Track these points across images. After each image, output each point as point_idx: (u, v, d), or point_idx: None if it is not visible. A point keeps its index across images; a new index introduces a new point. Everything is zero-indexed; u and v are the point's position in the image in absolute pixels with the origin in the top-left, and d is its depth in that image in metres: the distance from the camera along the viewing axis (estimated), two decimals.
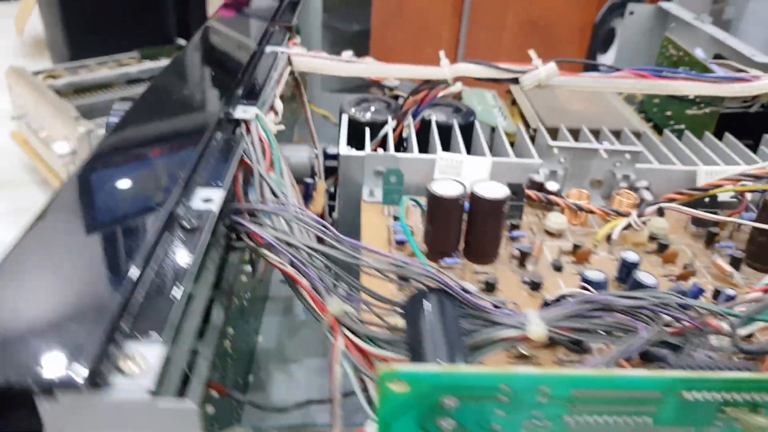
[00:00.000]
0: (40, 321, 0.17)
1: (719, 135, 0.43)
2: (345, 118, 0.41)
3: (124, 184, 0.24)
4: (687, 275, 0.31)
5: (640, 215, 0.34)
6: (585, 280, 0.29)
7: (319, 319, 0.24)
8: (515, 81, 0.42)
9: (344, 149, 0.38)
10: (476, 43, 0.73)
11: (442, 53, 0.43)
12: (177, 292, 0.19)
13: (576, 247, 0.33)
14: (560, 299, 0.27)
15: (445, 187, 0.31)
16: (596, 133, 0.43)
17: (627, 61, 0.62)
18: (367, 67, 0.42)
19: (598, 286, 0.28)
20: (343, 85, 0.65)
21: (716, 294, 0.30)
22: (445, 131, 0.42)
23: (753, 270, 0.33)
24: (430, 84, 0.43)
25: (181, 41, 0.79)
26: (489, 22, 0.69)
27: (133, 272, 0.19)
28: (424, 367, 0.18)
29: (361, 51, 0.48)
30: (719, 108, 0.44)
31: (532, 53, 0.43)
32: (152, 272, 0.20)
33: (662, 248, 0.33)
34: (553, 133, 0.42)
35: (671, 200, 0.34)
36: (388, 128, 0.41)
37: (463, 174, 0.37)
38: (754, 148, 0.42)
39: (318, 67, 0.42)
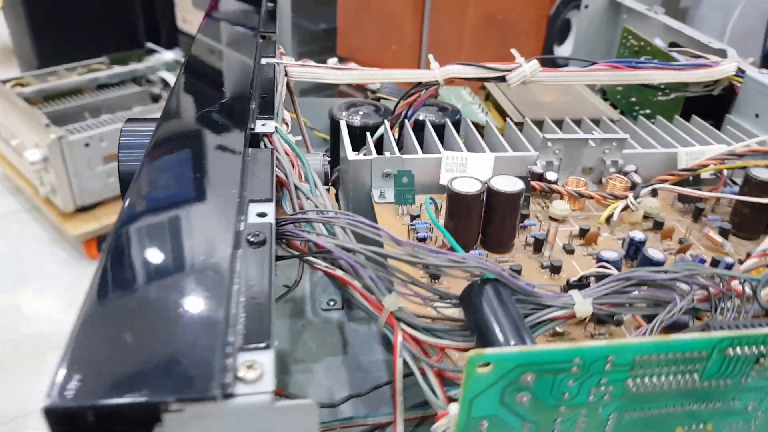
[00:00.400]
0: (160, 342, 0.18)
1: (685, 118, 0.47)
2: (344, 124, 0.43)
3: (186, 207, 0.24)
4: (685, 248, 0.34)
5: (636, 197, 0.36)
6: (602, 259, 0.31)
7: (374, 317, 0.26)
8: (502, 79, 0.44)
9: (351, 154, 0.39)
10: (439, 38, 0.75)
11: (431, 57, 0.45)
12: (265, 302, 0.20)
13: (583, 230, 0.35)
14: (582, 279, 0.29)
15: (465, 185, 0.33)
16: (577, 123, 0.46)
17: (585, 52, 0.65)
18: (360, 73, 0.44)
19: (615, 264, 0.31)
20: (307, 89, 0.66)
21: (715, 263, 0.33)
22: (437, 131, 0.44)
23: (738, 239, 0.36)
24: (421, 86, 0.44)
25: (151, 45, 0.78)
26: (450, 17, 0.71)
27: (225, 289, 0.20)
28: (508, 349, 0.20)
29: (329, 49, 0.50)
30: (685, 93, 0.47)
31: (514, 52, 0.45)
32: (238, 286, 0.21)
33: (658, 225, 0.36)
34: (538, 125, 0.45)
35: (663, 181, 0.37)
36: (384, 131, 0.43)
37: (468, 170, 0.39)
38: (717, 128, 0.45)
39: (314, 76, 0.43)
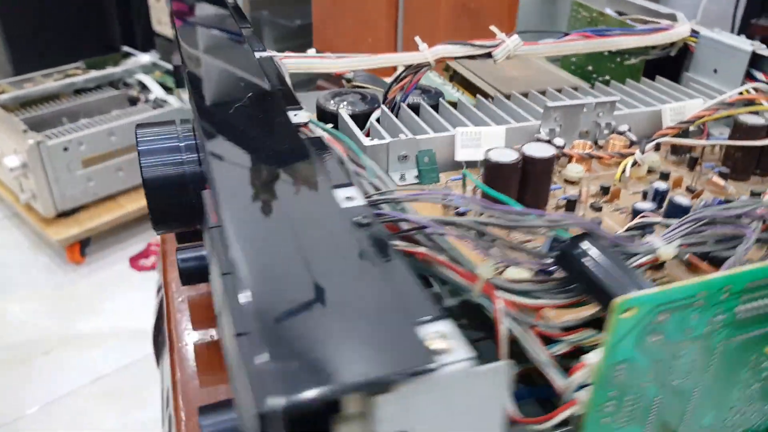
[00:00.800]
0: (354, 324, 0.17)
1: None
2: (344, 113, 0.42)
3: (283, 203, 0.24)
4: (698, 194, 0.37)
5: (642, 152, 0.39)
6: (640, 210, 0.33)
7: (466, 288, 0.26)
8: (489, 55, 0.45)
9: (366, 140, 0.39)
10: (413, 29, 0.76)
11: (417, 39, 0.45)
12: (408, 274, 0.20)
13: (604, 188, 0.37)
14: (644, 227, 0.31)
15: (502, 155, 0.34)
16: (542, 94, 0.48)
17: (531, 27, 0.68)
18: (354, 60, 0.43)
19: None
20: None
21: (727, 202, 0.36)
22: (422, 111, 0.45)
23: (734, 182, 0.39)
24: (411, 69, 0.45)
25: (127, 48, 0.74)
26: (424, 8, 0.72)
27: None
28: (647, 292, 0.21)
29: (306, 45, 0.49)
30: (647, 56, 0.51)
31: (494, 29, 0.46)
32: (381, 266, 0.20)
33: (665, 177, 0.39)
34: (509, 99, 0.46)
35: (663, 135, 0.40)
36: (382, 114, 0.43)
37: (482, 144, 0.39)
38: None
39: (310, 66, 0.42)
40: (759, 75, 0.46)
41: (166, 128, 0.34)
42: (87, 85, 0.98)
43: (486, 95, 0.51)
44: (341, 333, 0.17)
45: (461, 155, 0.39)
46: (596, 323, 0.25)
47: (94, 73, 0.87)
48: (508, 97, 0.48)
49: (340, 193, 0.25)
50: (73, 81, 0.92)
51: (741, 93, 0.41)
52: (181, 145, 0.33)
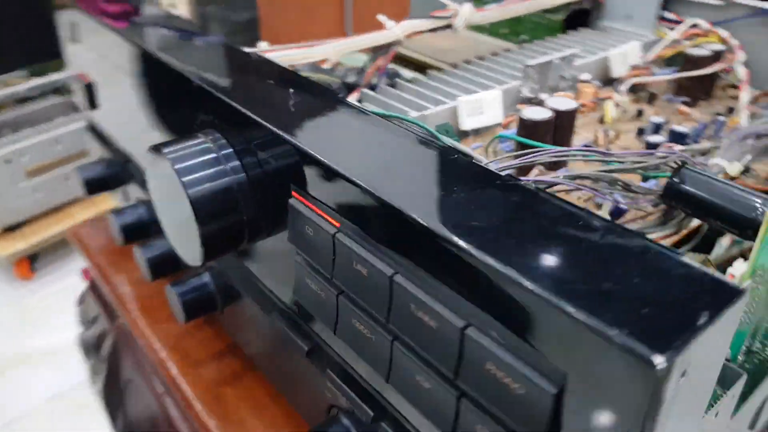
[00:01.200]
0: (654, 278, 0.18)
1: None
2: None
3: (437, 181, 0.23)
4: (683, 116, 0.41)
5: (620, 95, 0.42)
6: (653, 144, 0.37)
7: None
8: (449, 26, 0.46)
9: None
10: (361, 15, 0.73)
11: (383, 17, 0.44)
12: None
13: (596, 133, 0.40)
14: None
15: (536, 113, 0.35)
16: (495, 55, 0.50)
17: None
18: (329, 46, 0.42)
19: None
20: None
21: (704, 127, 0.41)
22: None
23: (690, 108, 0.45)
24: (381, 49, 0.44)
25: None
26: None
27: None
28: None
29: (255, 38, 0.46)
30: (566, 11, 0.55)
31: (446, 0, 0.47)
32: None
33: (640, 113, 0.43)
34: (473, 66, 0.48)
35: (635, 76, 0.43)
36: (364, 98, 0.42)
37: (484, 110, 0.40)
38: None
39: (292, 58, 0.40)
40: (670, 15, 0.52)
41: (194, 142, 0.30)
42: (30, 93, 0.92)
43: (430, 70, 0.52)
44: (642, 289, 0.17)
45: (468, 124, 0.40)
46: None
47: (36, 81, 0.78)
48: (454, 67, 0.49)
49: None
50: (15, 90, 0.86)
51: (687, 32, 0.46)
52: (220, 155, 0.30)
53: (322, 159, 0.24)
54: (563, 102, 0.36)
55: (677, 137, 0.38)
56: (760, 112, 0.40)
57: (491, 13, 0.48)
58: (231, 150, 0.30)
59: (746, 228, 0.25)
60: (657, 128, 0.39)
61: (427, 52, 0.55)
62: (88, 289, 0.57)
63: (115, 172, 0.51)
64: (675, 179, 0.27)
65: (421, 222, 0.20)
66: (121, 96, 0.44)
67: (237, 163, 0.30)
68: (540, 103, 0.43)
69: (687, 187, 0.27)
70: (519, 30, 0.60)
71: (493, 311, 0.19)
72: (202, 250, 0.29)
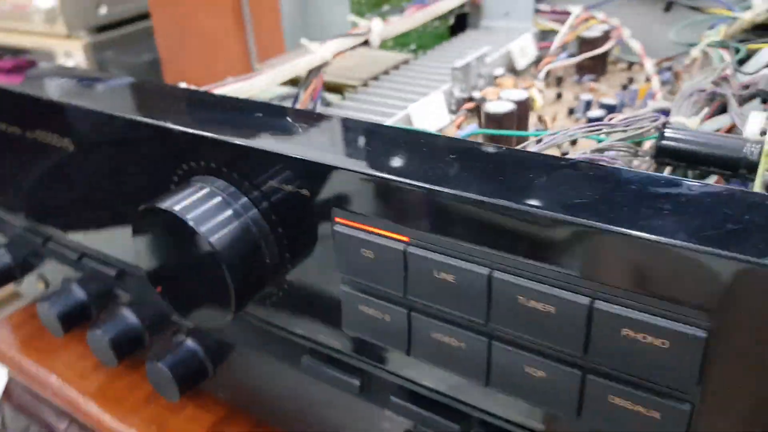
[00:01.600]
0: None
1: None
2: None
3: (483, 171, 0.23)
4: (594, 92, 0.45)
5: (540, 81, 0.46)
6: (593, 119, 0.40)
7: None
8: (367, 42, 0.47)
9: None
10: (264, 47, 0.68)
11: (305, 41, 0.44)
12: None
13: (540, 118, 0.43)
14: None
15: (499, 107, 0.37)
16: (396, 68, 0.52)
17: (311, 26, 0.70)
18: (267, 77, 0.40)
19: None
20: None
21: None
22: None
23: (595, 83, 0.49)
24: (311, 73, 0.43)
25: None
26: (268, 23, 0.65)
27: None
28: None
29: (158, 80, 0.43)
30: (449, 17, 0.58)
31: (355, 18, 0.48)
32: None
33: (559, 96, 0.47)
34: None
35: (548, 63, 0.47)
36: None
37: (432, 114, 0.41)
38: None
39: (236, 93, 0.38)
40: (545, 7, 0.57)
41: (193, 190, 0.28)
42: None
43: (346, 89, 0.52)
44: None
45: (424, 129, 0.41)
46: None
47: None
48: (365, 85, 0.50)
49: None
50: None
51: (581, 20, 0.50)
52: (226, 197, 0.28)
53: (382, 175, 0.23)
54: (515, 93, 0.38)
55: (610, 109, 0.41)
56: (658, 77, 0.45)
57: (397, 26, 0.49)
58: (235, 190, 0.28)
59: (738, 168, 0.28)
60: (588, 105, 0.43)
61: (334, 72, 0.55)
62: (2, 402, 0.49)
63: (22, 256, 0.45)
64: (665, 138, 0.30)
65: (535, 210, 0.20)
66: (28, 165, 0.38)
67: (245, 199, 0.28)
68: (471, 100, 0.45)
69: (678, 144, 0.30)
70: (406, 41, 0.62)
71: (617, 280, 0.20)
72: (235, 300, 0.27)
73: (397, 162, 0.24)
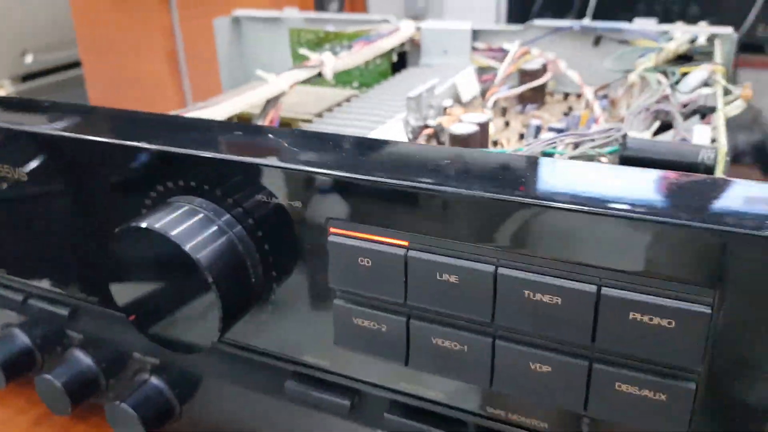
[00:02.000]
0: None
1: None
2: None
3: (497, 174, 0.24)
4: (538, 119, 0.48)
5: (489, 110, 0.48)
6: (550, 132, 0.42)
7: None
8: (320, 74, 0.47)
9: None
10: (201, 91, 0.65)
11: (262, 72, 0.44)
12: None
13: (496, 142, 0.44)
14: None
15: (462, 128, 0.38)
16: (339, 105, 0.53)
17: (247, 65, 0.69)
18: (228, 105, 0.39)
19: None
20: None
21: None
22: None
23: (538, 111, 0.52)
24: (271, 102, 0.43)
25: None
26: (205, 68, 0.63)
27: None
28: None
29: None
30: (390, 55, 0.60)
31: (307, 52, 0.48)
32: None
33: (507, 124, 0.49)
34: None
35: (493, 94, 0.49)
36: None
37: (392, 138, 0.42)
38: None
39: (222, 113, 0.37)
40: (481, 45, 0.60)
41: (173, 208, 0.27)
42: None
43: (298, 122, 0.52)
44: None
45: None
46: None
47: None
48: (319, 115, 0.51)
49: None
50: None
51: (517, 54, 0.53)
52: (210, 214, 0.27)
53: (383, 180, 0.23)
54: (475, 117, 0.40)
55: (559, 132, 0.44)
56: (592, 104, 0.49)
57: (347, 60, 0.50)
58: (217, 206, 0.27)
59: (697, 171, 0.31)
60: (538, 129, 0.45)
61: (288, 110, 0.55)
62: None
63: None
64: (628, 150, 0.32)
65: (553, 203, 0.21)
66: None
67: (228, 216, 0.27)
68: (427, 127, 0.46)
69: (639, 154, 0.32)
70: (348, 79, 0.63)
71: (622, 263, 0.21)
72: (222, 320, 0.26)
73: (393, 167, 0.25)
